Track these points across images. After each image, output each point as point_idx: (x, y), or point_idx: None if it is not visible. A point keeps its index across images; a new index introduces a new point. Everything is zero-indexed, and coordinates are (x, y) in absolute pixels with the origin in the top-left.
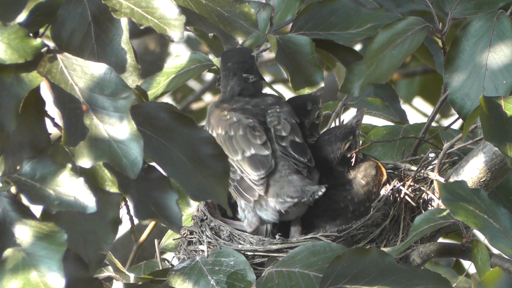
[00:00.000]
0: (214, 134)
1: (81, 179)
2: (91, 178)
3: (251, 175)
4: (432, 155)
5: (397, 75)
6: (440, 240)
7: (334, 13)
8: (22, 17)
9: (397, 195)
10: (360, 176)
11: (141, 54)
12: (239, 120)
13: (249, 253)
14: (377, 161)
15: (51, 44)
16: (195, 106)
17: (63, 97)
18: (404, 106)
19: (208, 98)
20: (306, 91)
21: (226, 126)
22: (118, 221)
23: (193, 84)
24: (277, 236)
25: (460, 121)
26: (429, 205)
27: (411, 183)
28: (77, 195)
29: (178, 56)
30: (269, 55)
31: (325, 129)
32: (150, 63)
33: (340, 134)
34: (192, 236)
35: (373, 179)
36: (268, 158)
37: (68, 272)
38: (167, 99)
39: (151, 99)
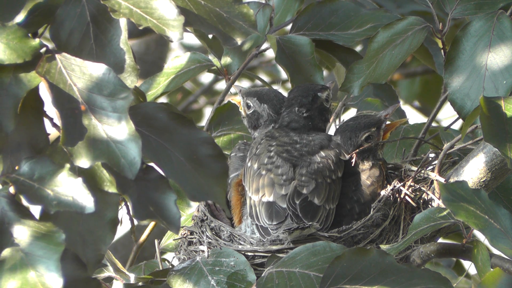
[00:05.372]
0: (249, 164)
1: (80, 179)
2: (90, 178)
3: (262, 220)
4: (432, 155)
5: (398, 75)
6: (440, 240)
7: (334, 13)
8: (20, 17)
9: (397, 195)
10: (364, 176)
11: (141, 54)
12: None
13: (249, 254)
14: (381, 162)
15: (50, 45)
16: (194, 107)
17: (62, 97)
18: (405, 107)
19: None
20: None
21: (261, 162)
22: (117, 221)
23: (189, 86)
24: (277, 236)
25: (460, 120)
26: (429, 206)
27: (411, 183)
28: (75, 195)
29: (178, 56)
30: (269, 55)
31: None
32: (151, 63)
33: (363, 123)
34: (192, 237)
35: (377, 180)
36: (285, 211)
37: (66, 272)
38: (165, 101)
39: (151, 100)
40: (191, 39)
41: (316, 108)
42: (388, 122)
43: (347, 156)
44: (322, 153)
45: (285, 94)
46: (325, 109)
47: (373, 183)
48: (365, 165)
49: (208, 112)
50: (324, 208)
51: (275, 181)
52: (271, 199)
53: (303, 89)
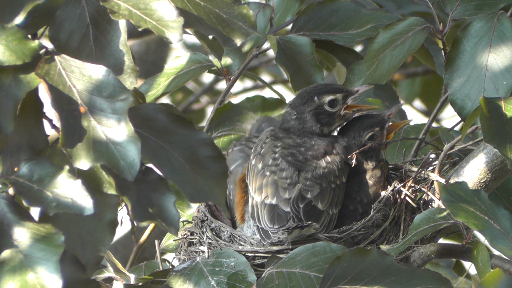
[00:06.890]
0: (254, 162)
1: (79, 181)
2: (89, 180)
3: (264, 223)
4: (432, 156)
5: (399, 76)
6: (441, 241)
7: (334, 13)
8: (20, 18)
9: (397, 196)
10: (367, 177)
11: (141, 54)
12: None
13: (249, 254)
14: (383, 162)
15: (50, 46)
16: (196, 106)
17: (61, 99)
18: (405, 107)
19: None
20: None
21: (266, 163)
22: (116, 223)
23: (191, 85)
24: (277, 237)
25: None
26: (430, 206)
27: (412, 184)
28: (74, 197)
29: (178, 57)
30: (271, 54)
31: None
32: (151, 63)
33: (367, 123)
34: (192, 237)
35: (379, 180)
36: (287, 215)
37: (66, 273)
38: (166, 100)
39: (152, 100)
40: (194, 38)
41: (310, 111)
42: (390, 123)
43: (353, 160)
44: (328, 158)
45: (286, 94)
46: (324, 113)
47: (375, 183)
48: (369, 165)
49: (210, 111)
50: (327, 213)
51: (279, 184)
52: (274, 201)
53: (303, 91)
